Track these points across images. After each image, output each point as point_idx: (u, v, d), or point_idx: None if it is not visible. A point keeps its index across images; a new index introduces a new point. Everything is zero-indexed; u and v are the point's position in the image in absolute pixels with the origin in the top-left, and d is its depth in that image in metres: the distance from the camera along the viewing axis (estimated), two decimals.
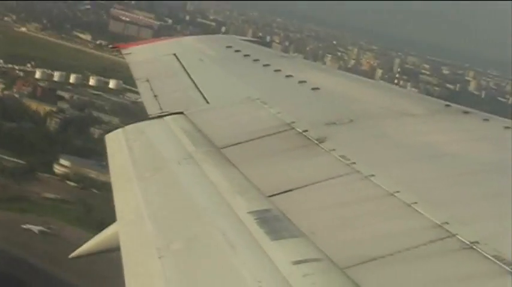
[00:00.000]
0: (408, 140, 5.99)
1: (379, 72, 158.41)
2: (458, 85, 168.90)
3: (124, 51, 11.66)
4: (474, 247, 3.92)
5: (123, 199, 5.92)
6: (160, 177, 6.04)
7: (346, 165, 5.40)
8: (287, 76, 8.69)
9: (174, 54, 10.80)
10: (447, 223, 4.20)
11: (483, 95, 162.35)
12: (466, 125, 6.43)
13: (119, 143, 7.24)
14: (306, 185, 5.18)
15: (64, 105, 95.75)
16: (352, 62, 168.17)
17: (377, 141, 6.09)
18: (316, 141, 6.05)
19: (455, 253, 3.92)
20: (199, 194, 5.46)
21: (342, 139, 6.10)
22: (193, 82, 9.12)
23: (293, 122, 6.64)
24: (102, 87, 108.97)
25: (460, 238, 4.03)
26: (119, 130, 7.77)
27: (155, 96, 8.76)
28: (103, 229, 6.78)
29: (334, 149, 5.77)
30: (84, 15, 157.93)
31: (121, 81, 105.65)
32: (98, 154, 65.74)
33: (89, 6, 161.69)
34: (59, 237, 60.64)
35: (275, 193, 5.10)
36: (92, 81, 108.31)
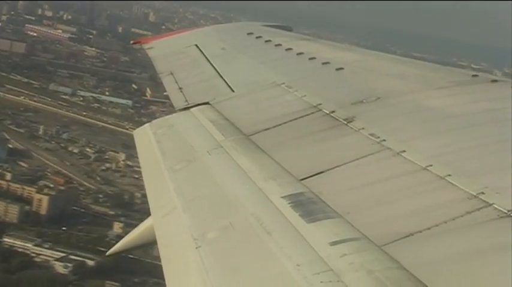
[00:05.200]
0: (437, 113, 5.93)
1: None
2: None
3: (145, 46, 11.69)
4: None
5: (156, 192, 5.94)
6: (192, 168, 6.05)
7: (376, 143, 5.37)
8: (310, 58, 8.66)
9: (196, 45, 10.80)
10: (483, 192, 4.16)
11: None
12: (495, 93, 6.35)
13: (147, 138, 7.26)
14: (337, 166, 5.16)
15: None
16: None
17: (406, 117, 6.04)
18: (344, 122, 6.02)
19: (493, 222, 3.88)
20: (232, 182, 5.46)
21: (370, 117, 6.06)
22: (217, 71, 9.12)
23: (320, 104, 6.62)
24: None
25: (497, 206, 3.99)
26: (147, 125, 7.80)
27: (180, 88, 8.78)
28: None
29: (363, 128, 5.74)
30: None
31: None
32: None
33: None
34: None
35: (307, 175, 5.08)
36: None
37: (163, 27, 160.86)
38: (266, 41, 10.23)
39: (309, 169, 5.19)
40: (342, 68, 7.88)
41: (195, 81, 9.12)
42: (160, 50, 11.23)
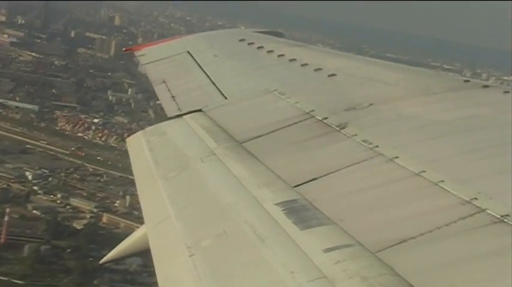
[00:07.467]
0: (430, 119, 5.94)
1: None
2: None
3: (137, 53, 11.68)
4: (505, 220, 3.89)
5: (149, 200, 5.93)
6: (185, 176, 6.04)
7: (369, 149, 5.37)
8: (302, 65, 8.66)
9: (188, 52, 10.80)
10: (476, 198, 4.17)
11: None
12: (487, 98, 6.36)
13: (140, 146, 7.25)
14: (330, 173, 5.16)
15: None
16: None
17: (398, 123, 6.05)
18: (337, 128, 6.02)
19: (486, 227, 3.89)
20: (225, 189, 5.45)
21: (363, 123, 6.06)
22: (210, 78, 9.11)
23: (312, 111, 6.62)
24: None
25: (490, 212, 4.00)
26: (139, 133, 7.79)
27: (173, 97, 8.77)
28: None
29: (355, 134, 5.75)
30: None
31: None
32: None
33: None
34: None
35: (300, 182, 5.08)
36: None
37: (125, 31, 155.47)
38: (258, 48, 10.23)
39: (302, 176, 5.19)
40: (334, 75, 7.88)
41: (187, 89, 9.11)
42: (152, 57, 11.22)
